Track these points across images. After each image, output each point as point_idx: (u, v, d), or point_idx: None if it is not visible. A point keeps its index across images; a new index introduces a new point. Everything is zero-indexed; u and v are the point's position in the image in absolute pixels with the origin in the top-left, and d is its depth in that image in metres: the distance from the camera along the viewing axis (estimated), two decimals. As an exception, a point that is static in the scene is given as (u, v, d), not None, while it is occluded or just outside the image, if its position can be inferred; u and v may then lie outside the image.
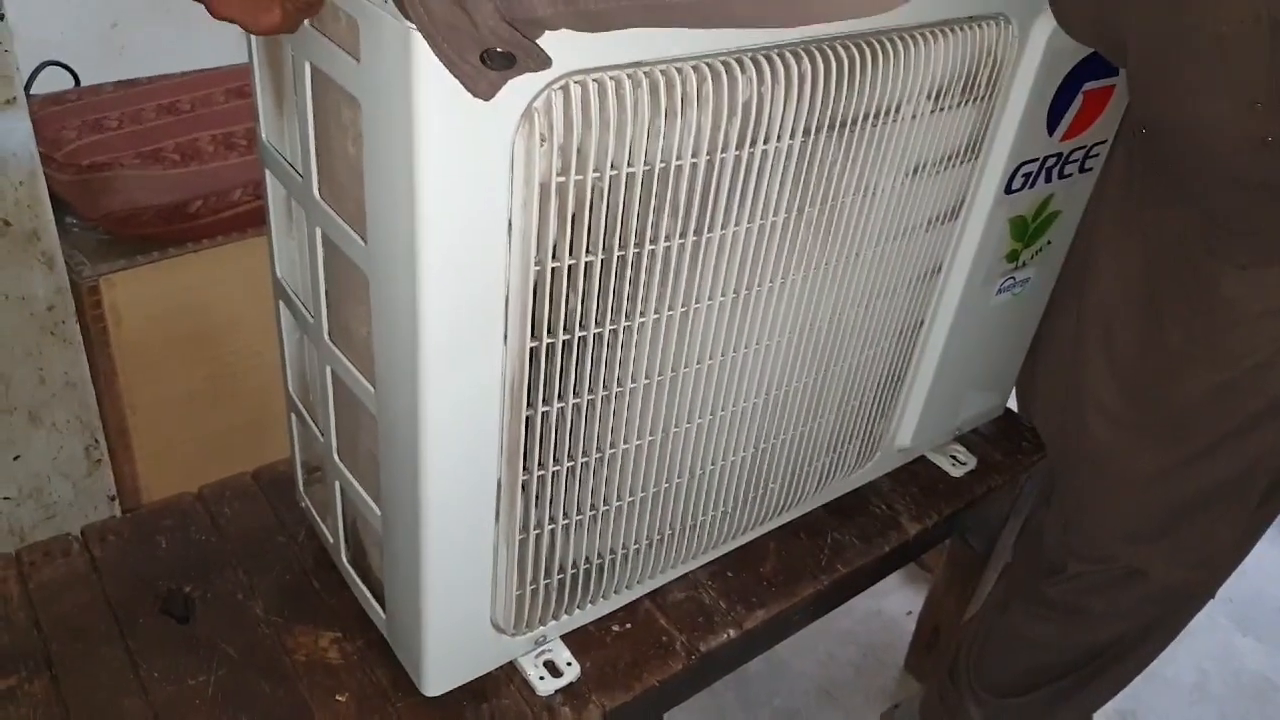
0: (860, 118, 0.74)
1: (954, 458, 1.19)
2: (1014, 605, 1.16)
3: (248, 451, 1.10)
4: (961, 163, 0.87)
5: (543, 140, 0.60)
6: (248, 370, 1.29)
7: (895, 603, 1.63)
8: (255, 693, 0.84)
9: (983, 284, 1.01)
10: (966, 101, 0.82)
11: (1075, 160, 0.99)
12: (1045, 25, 0.85)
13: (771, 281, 0.78)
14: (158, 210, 1.15)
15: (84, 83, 1.34)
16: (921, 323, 0.99)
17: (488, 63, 0.52)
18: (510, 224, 0.62)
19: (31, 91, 1.28)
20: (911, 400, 1.06)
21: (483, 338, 0.66)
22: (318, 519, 0.94)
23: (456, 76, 0.53)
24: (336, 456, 0.83)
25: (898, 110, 0.76)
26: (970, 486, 1.17)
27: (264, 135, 0.77)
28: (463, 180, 0.59)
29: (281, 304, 0.85)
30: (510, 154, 0.59)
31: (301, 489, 0.96)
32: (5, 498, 1.08)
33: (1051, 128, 0.93)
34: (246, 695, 0.83)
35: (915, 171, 0.83)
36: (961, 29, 0.78)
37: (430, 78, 0.55)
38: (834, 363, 0.90)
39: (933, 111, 0.80)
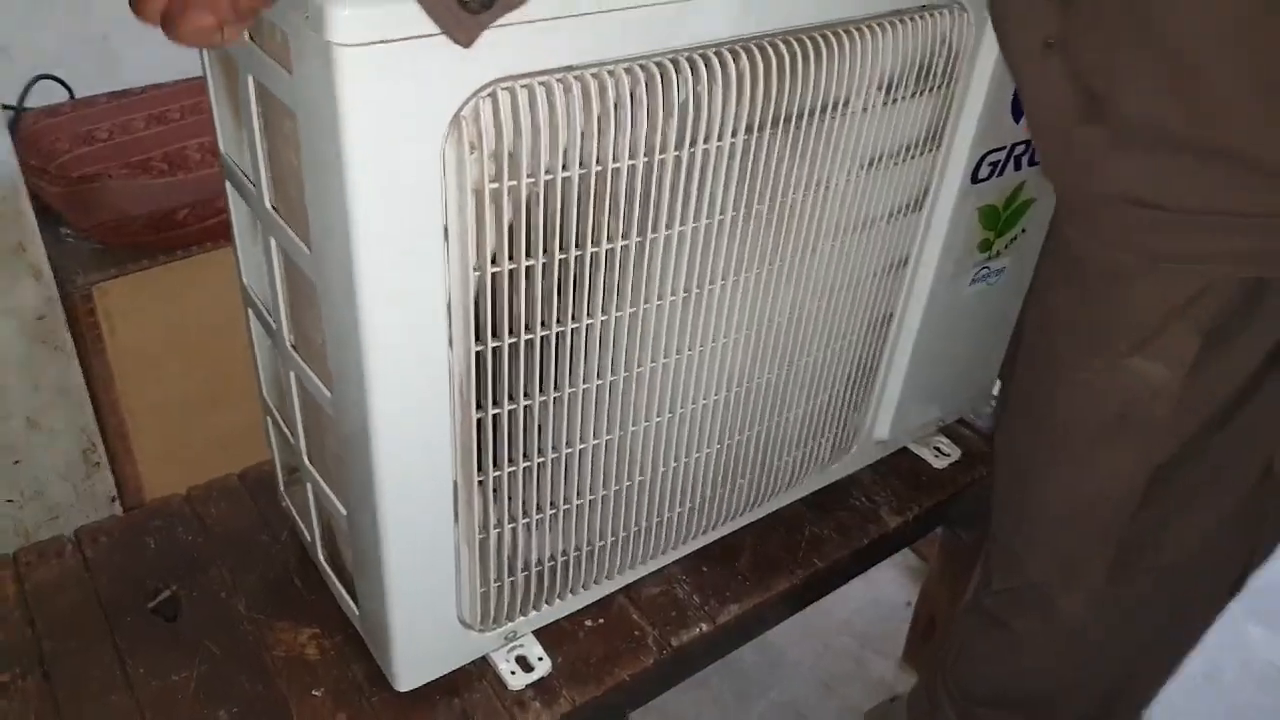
0: (805, 113, 0.74)
1: (937, 449, 1.19)
2: (969, 610, 1.12)
3: (248, 452, 1.12)
4: (921, 153, 0.87)
5: (472, 148, 0.61)
6: (242, 372, 1.31)
7: (894, 592, 1.63)
8: (236, 688, 0.86)
9: (954, 275, 1.01)
10: (922, 91, 0.82)
11: (1045, 148, 0.99)
12: (1002, 13, 0.84)
13: (724, 279, 0.79)
14: (146, 219, 1.17)
15: (78, 95, 1.37)
16: (891, 315, 0.99)
17: (466, 3, 0.54)
18: (446, 230, 0.63)
19: (26, 105, 1.31)
20: (887, 393, 1.06)
21: (426, 343, 0.67)
22: (298, 518, 0.97)
23: (436, 22, 0.55)
24: (307, 459, 0.85)
25: (846, 104, 0.77)
26: (953, 478, 1.17)
27: (222, 148, 0.78)
28: (394, 188, 0.60)
29: (250, 312, 0.87)
30: (441, 162, 0.60)
31: (282, 489, 0.99)
32: (8, 500, 1.11)
33: (1017, 115, 0.92)
34: (227, 691, 0.86)
35: (871, 164, 0.83)
36: (912, 19, 0.78)
37: (355, 88, 0.56)
38: (797, 357, 0.90)
39: (885, 104, 0.80)
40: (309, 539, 0.94)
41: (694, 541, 0.99)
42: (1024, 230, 1.05)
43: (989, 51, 0.86)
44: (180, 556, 0.98)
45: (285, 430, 0.89)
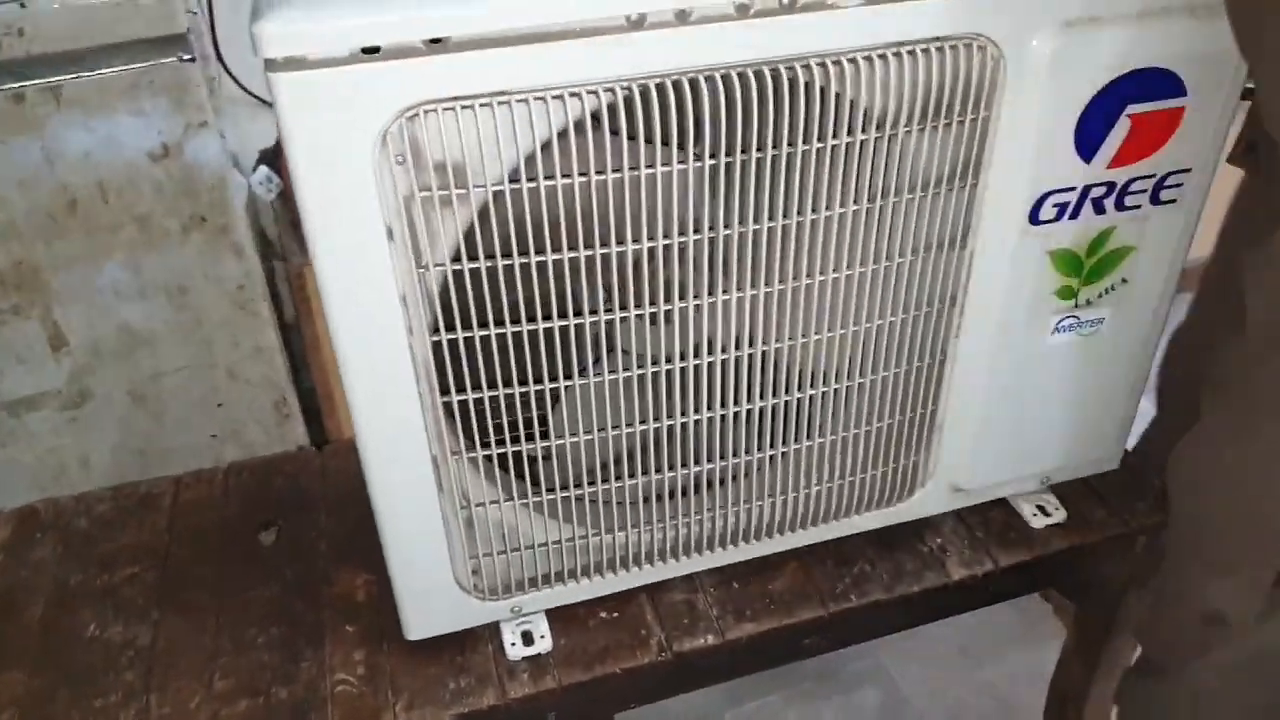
0: (772, 144, 0.75)
1: (1040, 508, 1.10)
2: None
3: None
4: (949, 190, 0.83)
5: (400, 161, 0.70)
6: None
7: (1054, 661, 1.49)
8: (290, 610, 1.01)
9: (1027, 321, 0.94)
10: (936, 127, 0.79)
11: (1141, 191, 0.89)
12: (1047, 43, 0.79)
13: (698, 297, 0.81)
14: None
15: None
16: (941, 356, 0.94)
17: None
18: (390, 231, 0.73)
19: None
20: (955, 438, 1.01)
21: (384, 329, 0.76)
22: (382, 479, 1.11)
23: None
24: (362, 424, 0.98)
25: (822, 137, 0.76)
26: (1046, 540, 1.07)
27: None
28: (335, 192, 0.70)
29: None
30: (374, 172, 0.70)
31: (377, 452, 1.13)
32: (211, 436, 1.37)
33: (1086, 154, 0.85)
34: (283, 611, 1.01)
35: (878, 196, 0.81)
36: (912, 53, 0.76)
37: (294, 108, 0.67)
38: (809, 385, 0.90)
39: (880, 138, 0.78)
40: (381, 496, 1.07)
41: (721, 554, 1.00)
42: (1124, 280, 0.95)
43: (1030, 87, 0.80)
44: (296, 497, 1.15)
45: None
